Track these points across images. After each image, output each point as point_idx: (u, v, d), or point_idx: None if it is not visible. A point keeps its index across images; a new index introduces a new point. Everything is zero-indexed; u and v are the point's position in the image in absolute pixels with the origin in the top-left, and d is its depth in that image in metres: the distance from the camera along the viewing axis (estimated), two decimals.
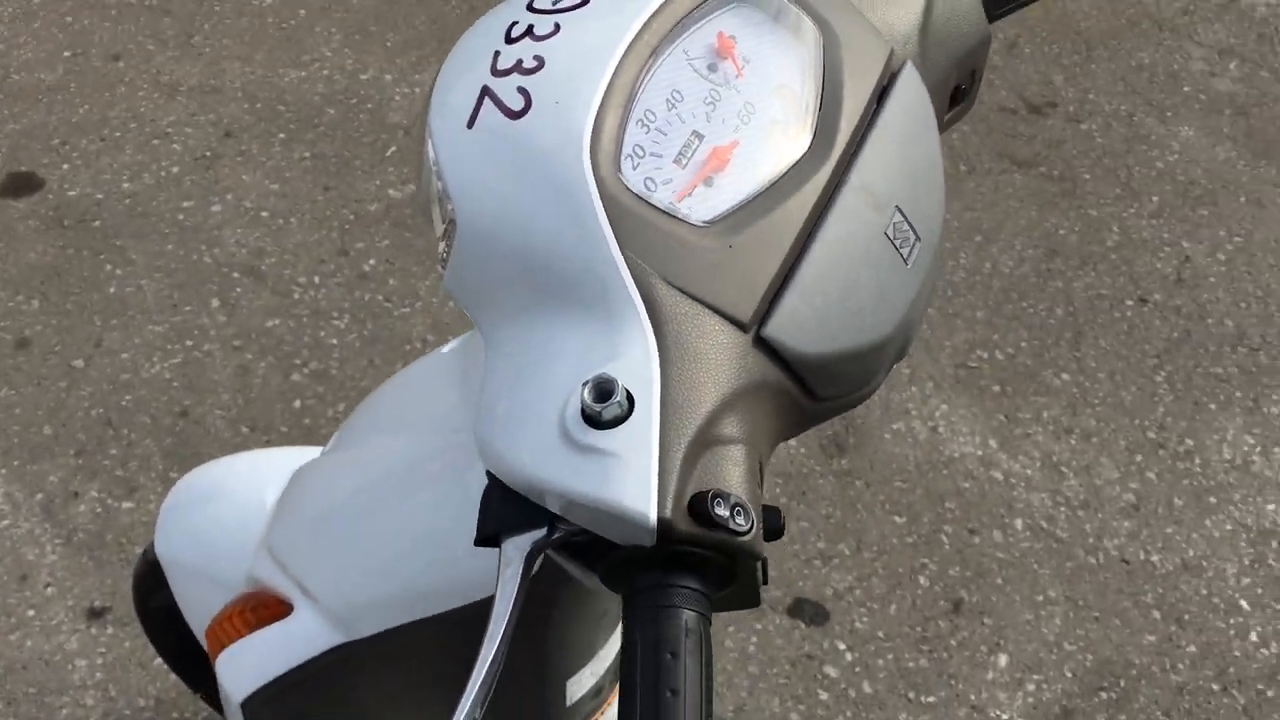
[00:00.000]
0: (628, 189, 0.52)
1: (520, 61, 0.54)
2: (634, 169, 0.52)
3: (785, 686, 1.60)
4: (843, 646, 1.65)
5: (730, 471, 0.49)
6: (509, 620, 0.51)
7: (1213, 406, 1.98)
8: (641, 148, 0.53)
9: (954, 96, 0.70)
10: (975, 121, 2.46)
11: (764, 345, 0.52)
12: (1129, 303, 2.14)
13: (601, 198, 0.51)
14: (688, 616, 0.47)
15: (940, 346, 2.04)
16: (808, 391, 0.55)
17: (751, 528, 0.48)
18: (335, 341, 1.95)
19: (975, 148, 2.41)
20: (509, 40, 0.55)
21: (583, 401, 0.48)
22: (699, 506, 0.47)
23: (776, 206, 0.53)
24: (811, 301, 0.53)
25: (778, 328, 0.52)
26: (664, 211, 0.52)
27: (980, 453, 1.89)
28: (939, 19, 0.65)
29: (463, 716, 0.48)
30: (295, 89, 2.41)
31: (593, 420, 0.48)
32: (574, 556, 0.54)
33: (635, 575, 0.48)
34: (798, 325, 0.52)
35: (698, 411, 0.49)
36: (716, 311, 0.51)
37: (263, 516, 1.01)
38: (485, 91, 0.54)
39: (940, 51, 0.66)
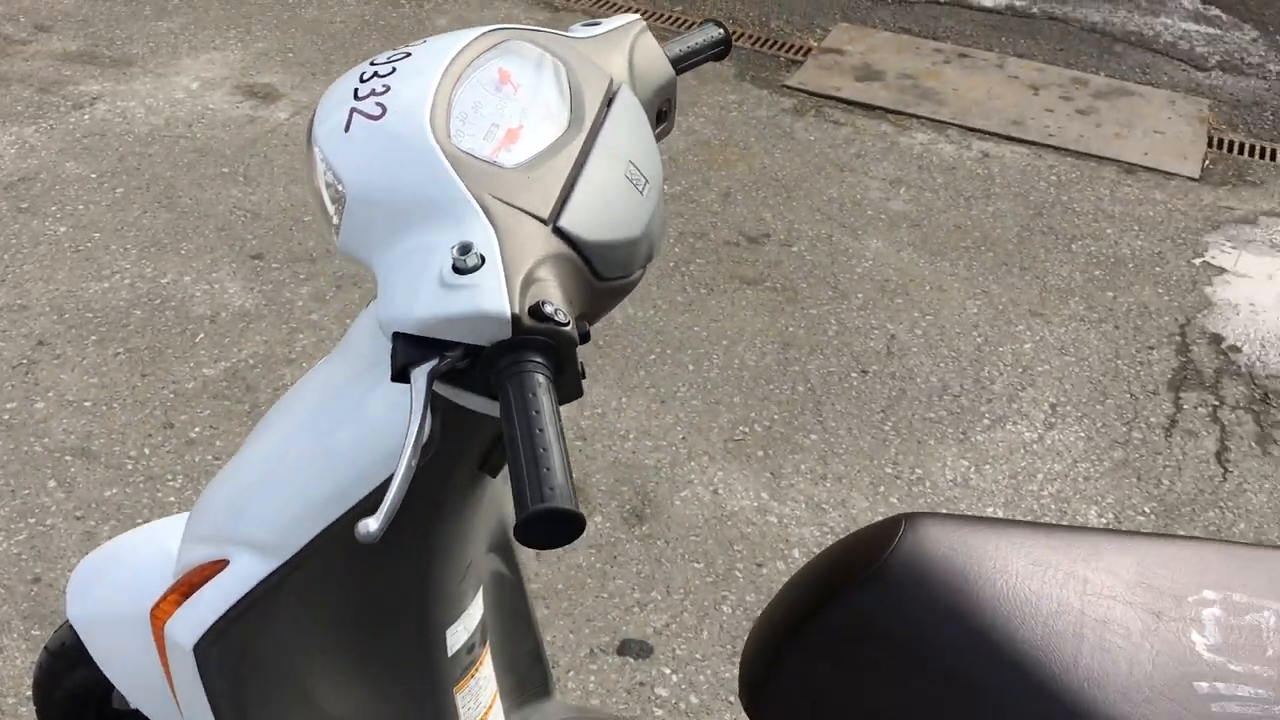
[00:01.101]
0: (459, 150, 0.84)
1: (374, 90, 0.87)
2: (460, 143, 0.85)
3: (624, 710, 1.84)
4: (668, 671, 1.91)
5: (552, 294, 0.80)
6: (420, 427, 0.79)
7: (932, 442, 2.41)
8: (461, 132, 0.86)
9: (660, 116, 1.07)
10: (707, 255, 2.93)
11: (560, 233, 0.84)
12: (853, 375, 2.58)
13: (444, 153, 0.83)
14: (539, 376, 0.76)
15: (710, 428, 2.40)
16: (593, 270, 0.87)
17: (569, 323, 0.78)
18: (173, 499, 2.12)
19: (711, 275, 2.86)
20: (362, 80, 0.88)
21: (453, 259, 0.78)
22: (534, 311, 0.78)
23: (553, 157, 0.87)
24: (585, 209, 0.86)
25: (566, 222, 0.84)
26: (485, 160, 0.84)
27: (756, 504, 2.23)
28: (638, 65, 1.03)
29: (403, 467, 0.76)
30: (101, 298, 2.62)
31: (459, 270, 0.78)
32: (457, 382, 0.83)
33: (500, 359, 0.78)
34: (578, 222, 0.85)
35: (525, 262, 0.80)
36: (526, 212, 0.83)
37: (173, 561, 1.22)
38: (353, 110, 0.86)
39: (643, 84, 1.03)
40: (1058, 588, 0.95)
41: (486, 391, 0.83)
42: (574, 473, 2.27)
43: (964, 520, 1.01)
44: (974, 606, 0.92)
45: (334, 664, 1.12)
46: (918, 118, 3.62)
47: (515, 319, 0.77)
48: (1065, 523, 2.23)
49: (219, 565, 1.04)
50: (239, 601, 1.01)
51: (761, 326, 2.70)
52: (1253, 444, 2.45)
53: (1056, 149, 3.49)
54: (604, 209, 0.88)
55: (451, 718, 1.25)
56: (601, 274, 0.88)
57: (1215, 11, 4.38)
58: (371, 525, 0.74)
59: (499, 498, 1.33)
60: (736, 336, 2.67)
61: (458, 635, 1.22)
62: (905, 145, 3.47)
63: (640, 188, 0.92)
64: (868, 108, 3.65)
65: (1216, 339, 2.74)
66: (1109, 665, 0.88)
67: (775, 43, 4.04)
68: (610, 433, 2.37)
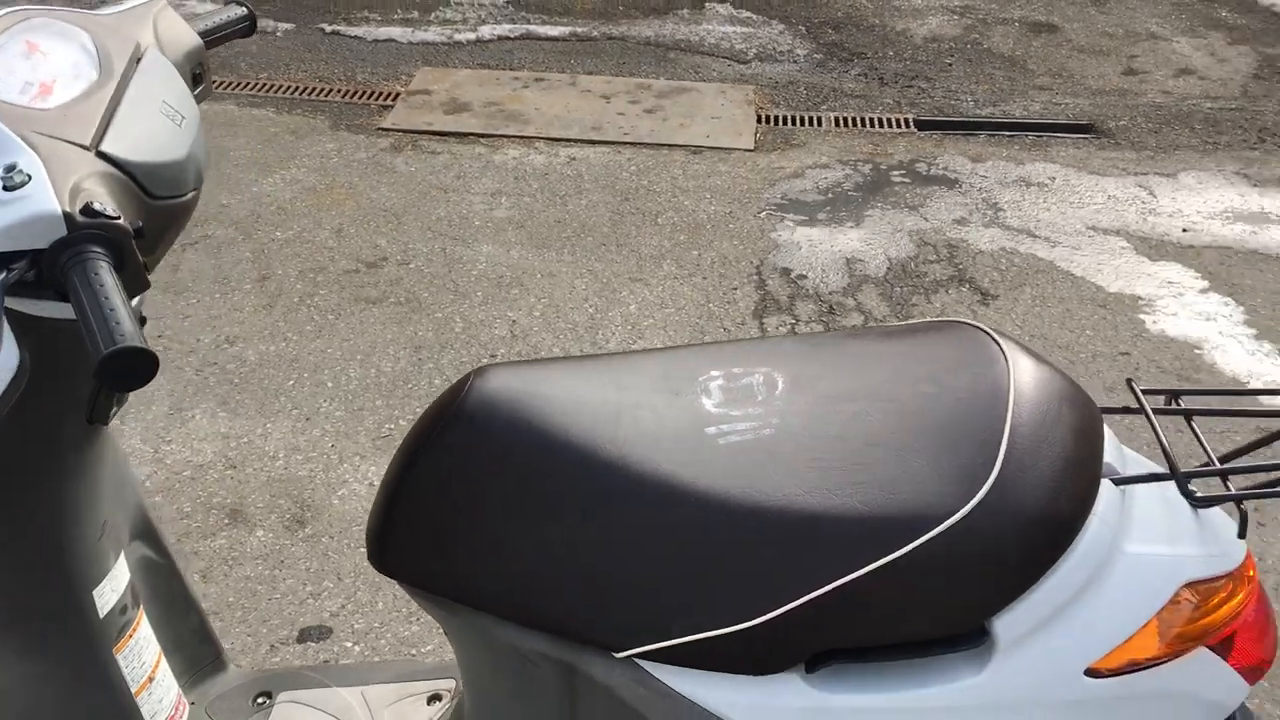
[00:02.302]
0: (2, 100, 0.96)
1: None
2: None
3: None
4: (350, 644, 2.01)
5: (103, 197, 0.93)
6: (1, 330, 0.90)
7: None
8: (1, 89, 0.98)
9: (196, 79, 1.22)
10: (329, 285, 3.05)
11: (104, 156, 0.98)
12: (484, 361, 2.78)
13: None
14: (100, 262, 0.89)
15: (356, 432, 2.52)
16: (143, 189, 1.01)
17: (120, 217, 0.92)
18: None
19: (336, 302, 2.98)
20: None
21: (1, 180, 0.90)
22: (86, 210, 0.91)
23: (88, 100, 1.01)
24: (125, 137, 1.00)
25: (108, 147, 0.98)
26: (22, 106, 0.97)
27: None
28: (164, 35, 1.18)
29: None
30: None
31: (9, 188, 0.90)
32: (31, 294, 0.95)
33: (61, 255, 0.90)
34: (119, 147, 0.99)
35: (72, 176, 0.93)
36: (68, 141, 0.96)
37: None
38: None
39: (172, 49, 1.18)
40: (599, 391, 1.17)
41: (60, 296, 0.95)
42: (227, 496, 2.33)
43: (523, 363, 1.21)
44: (535, 419, 1.12)
45: None
46: (507, 137, 3.91)
47: (68, 216, 0.90)
48: None
49: None
50: None
51: (392, 337, 2.86)
52: None
53: (633, 144, 3.88)
54: (143, 137, 1.02)
55: (115, 677, 1.32)
56: (152, 192, 1.02)
57: (747, 14, 5.00)
58: None
59: (132, 482, 1.41)
60: (369, 350, 2.80)
61: (106, 596, 1.30)
62: (500, 161, 3.74)
63: (178, 122, 1.07)
64: (460, 135, 3.91)
65: (786, 271, 3.17)
66: (642, 431, 1.11)
67: (364, 93, 4.23)
68: (259, 456, 2.44)
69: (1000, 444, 1.03)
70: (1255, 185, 3.64)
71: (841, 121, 4.10)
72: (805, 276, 3.15)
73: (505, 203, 3.50)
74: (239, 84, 4.24)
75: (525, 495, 1.09)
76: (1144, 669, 1.06)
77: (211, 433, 2.50)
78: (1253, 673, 1.14)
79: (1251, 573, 1.14)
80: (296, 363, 2.75)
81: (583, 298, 3.04)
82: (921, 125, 4.07)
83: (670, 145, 3.88)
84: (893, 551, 0.99)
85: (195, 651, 1.56)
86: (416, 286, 3.07)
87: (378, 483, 2.38)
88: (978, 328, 1.18)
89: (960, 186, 3.63)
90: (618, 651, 1.06)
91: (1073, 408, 1.09)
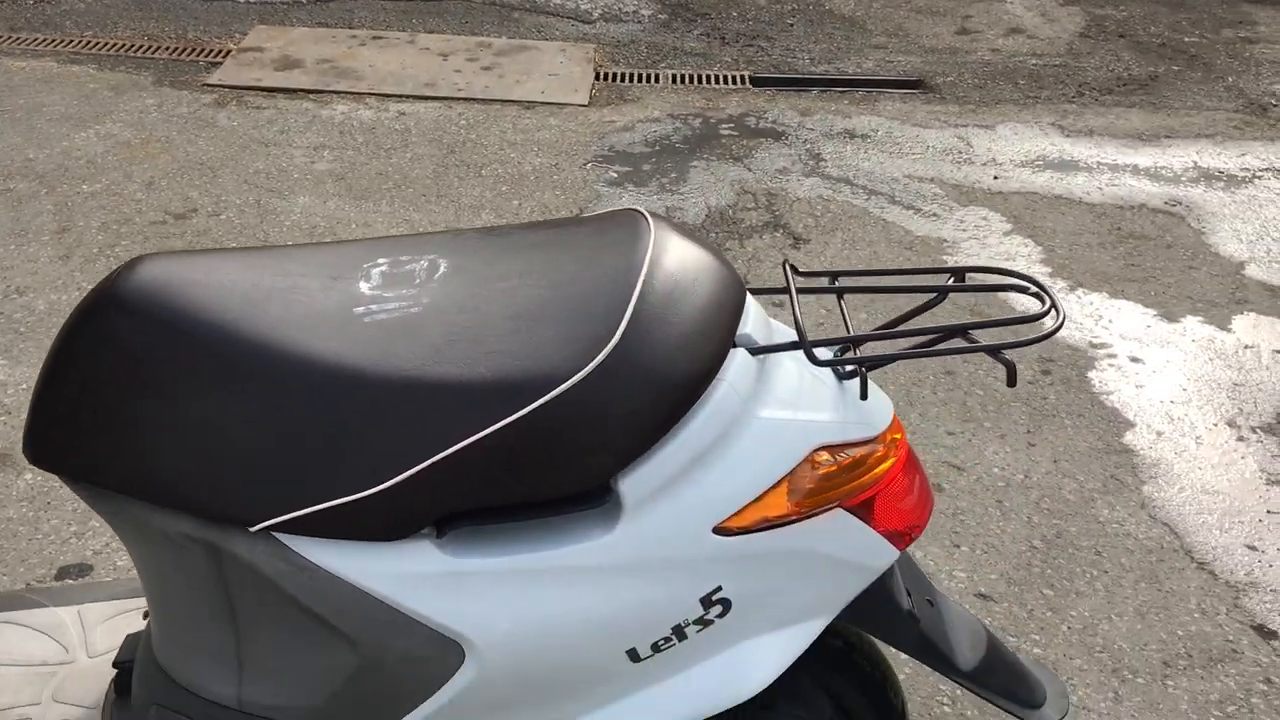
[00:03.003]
0: None
1: None
2: None
3: None
4: (110, 580, 1.97)
5: None
6: None
7: None
8: None
9: None
10: (133, 236, 2.98)
11: None
12: None
13: None
14: None
15: None
16: None
17: None
18: None
19: (137, 252, 2.91)
20: None
21: None
22: None
23: None
24: None
25: None
26: None
27: None
28: None
29: None
30: None
31: None
32: None
33: None
34: None
35: None
36: None
37: None
38: None
39: None
40: (255, 277, 1.15)
41: None
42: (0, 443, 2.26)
43: (183, 252, 1.19)
44: (181, 303, 1.10)
45: None
46: (338, 93, 3.85)
47: None
48: None
49: None
50: None
51: None
52: None
53: (466, 100, 3.86)
54: None
55: None
56: None
57: None
58: None
59: None
60: None
61: None
62: (327, 116, 3.69)
63: None
64: (289, 91, 3.84)
65: None
66: (291, 312, 1.10)
67: (194, 50, 4.13)
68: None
69: (626, 311, 1.04)
70: (1068, 135, 3.75)
71: (679, 79, 4.12)
72: None
73: (328, 156, 3.45)
74: (61, 41, 4.11)
75: (168, 378, 1.08)
76: (775, 527, 1.08)
77: None
78: (899, 537, 1.17)
79: (896, 437, 1.17)
80: None
81: None
82: (756, 82, 4.11)
83: (504, 101, 3.86)
84: (512, 414, 1.00)
85: None
86: (225, 236, 3.01)
87: None
88: (639, 213, 1.20)
89: (786, 139, 3.68)
90: (252, 526, 1.05)
91: (709, 282, 1.11)
